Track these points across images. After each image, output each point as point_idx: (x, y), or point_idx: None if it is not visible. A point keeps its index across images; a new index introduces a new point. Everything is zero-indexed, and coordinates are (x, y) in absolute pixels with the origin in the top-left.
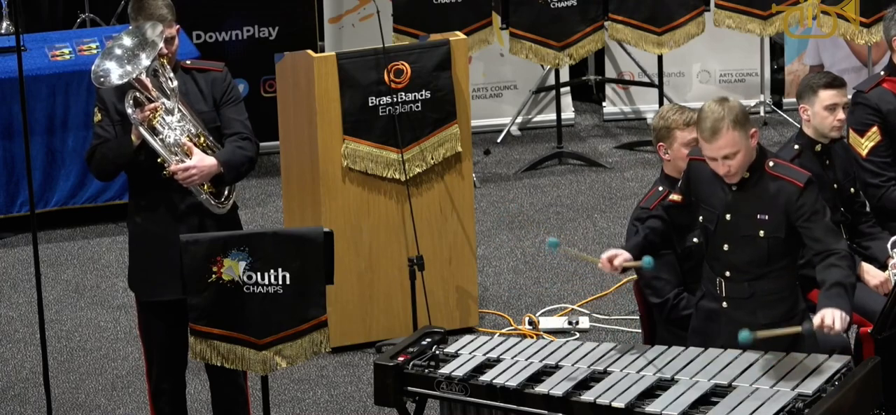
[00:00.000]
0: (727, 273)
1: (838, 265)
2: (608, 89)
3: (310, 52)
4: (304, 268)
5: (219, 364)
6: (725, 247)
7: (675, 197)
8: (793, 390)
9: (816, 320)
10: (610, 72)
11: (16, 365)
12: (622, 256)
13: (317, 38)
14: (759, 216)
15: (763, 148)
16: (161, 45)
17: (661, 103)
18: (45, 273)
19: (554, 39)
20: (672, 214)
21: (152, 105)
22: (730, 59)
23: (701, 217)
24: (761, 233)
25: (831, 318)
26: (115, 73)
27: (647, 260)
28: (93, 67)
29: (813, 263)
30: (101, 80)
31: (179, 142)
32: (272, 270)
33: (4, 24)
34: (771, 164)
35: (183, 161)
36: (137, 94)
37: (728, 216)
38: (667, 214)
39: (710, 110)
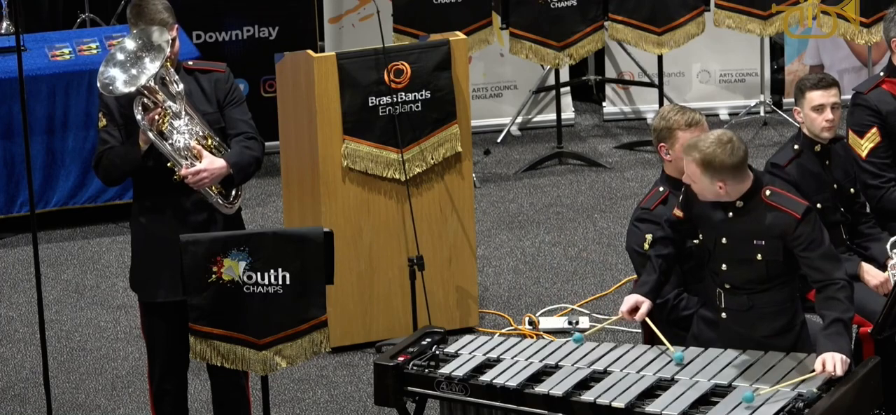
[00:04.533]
0: (727, 286)
1: (837, 298)
2: (608, 89)
3: (310, 52)
4: (304, 268)
5: (219, 364)
6: (723, 266)
7: (677, 213)
8: (793, 390)
9: (817, 365)
10: (610, 72)
11: (16, 365)
12: (644, 309)
13: (317, 38)
14: (755, 242)
15: (759, 176)
16: (168, 50)
17: (661, 103)
18: (45, 273)
19: (554, 39)
20: (678, 228)
21: (159, 109)
22: (730, 59)
23: (700, 235)
24: (758, 256)
25: (832, 363)
26: (120, 79)
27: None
28: (99, 75)
29: (812, 287)
30: (109, 88)
31: (188, 145)
32: (272, 270)
33: (4, 24)
34: (768, 192)
35: (193, 164)
36: (145, 100)
37: (724, 240)
38: (673, 230)
39: (712, 134)
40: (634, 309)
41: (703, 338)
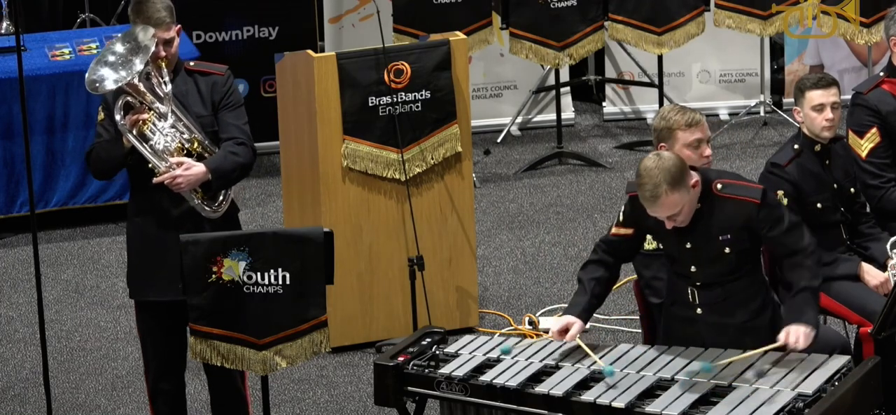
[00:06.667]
0: (698, 283)
1: (804, 265)
2: (608, 89)
3: (310, 52)
4: (304, 268)
5: (219, 364)
6: (693, 268)
7: (623, 231)
8: (793, 390)
9: (781, 336)
10: (610, 72)
11: (16, 365)
12: (574, 330)
13: (317, 38)
14: (721, 238)
15: (706, 172)
16: (153, 48)
17: (661, 103)
18: (45, 273)
19: (554, 39)
20: (618, 248)
21: (139, 111)
22: (730, 59)
23: (660, 245)
24: (726, 250)
25: (795, 336)
26: (110, 79)
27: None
28: (87, 75)
29: (781, 264)
30: (97, 86)
31: (168, 148)
32: (272, 270)
33: (4, 24)
34: (719, 186)
35: (170, 168)
36: (129, 99)
37: (688, 245)
38: (612, 249)
39: (647, 173)
40: (565, 330)
41: (679, 336)
